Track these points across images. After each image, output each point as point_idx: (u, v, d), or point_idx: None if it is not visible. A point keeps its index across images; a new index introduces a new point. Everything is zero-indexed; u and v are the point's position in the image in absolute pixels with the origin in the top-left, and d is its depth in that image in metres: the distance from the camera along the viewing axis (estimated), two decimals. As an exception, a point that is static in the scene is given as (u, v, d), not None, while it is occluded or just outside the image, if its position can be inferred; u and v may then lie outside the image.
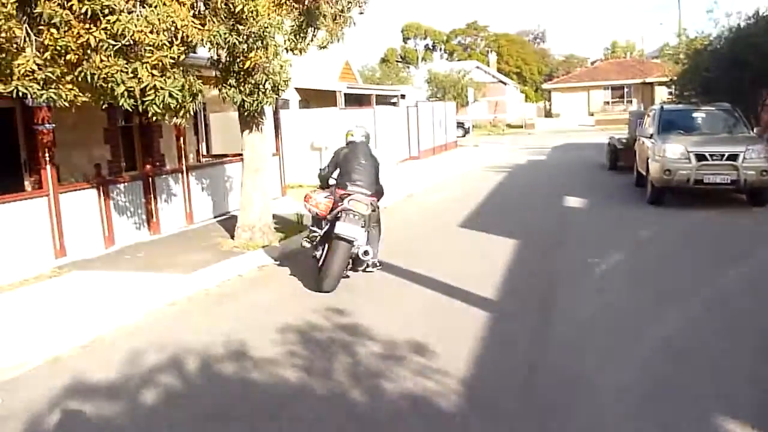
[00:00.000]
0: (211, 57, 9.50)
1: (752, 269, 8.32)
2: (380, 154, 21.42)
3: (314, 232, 7.64)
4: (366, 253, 7.23)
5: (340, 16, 10.55)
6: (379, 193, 7.67)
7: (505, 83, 66.07)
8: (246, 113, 10.08)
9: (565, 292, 7.55)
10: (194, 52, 8.48)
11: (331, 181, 7.85)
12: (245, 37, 8.58)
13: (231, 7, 8.22)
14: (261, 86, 9.37)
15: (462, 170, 22.96)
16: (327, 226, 7.35)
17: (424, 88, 46.40)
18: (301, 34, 10.27)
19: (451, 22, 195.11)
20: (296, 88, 20.10)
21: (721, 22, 17.82)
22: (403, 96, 29.83)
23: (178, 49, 7.10)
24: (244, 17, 8.28)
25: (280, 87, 9.69)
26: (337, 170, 7.74)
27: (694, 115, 14.82)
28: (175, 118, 7.66)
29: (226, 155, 14.35)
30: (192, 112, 7.99)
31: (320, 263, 7.34)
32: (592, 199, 14.73)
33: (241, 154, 10.84)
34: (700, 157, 12.59)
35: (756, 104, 16.75)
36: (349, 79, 30.90)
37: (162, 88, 6.87)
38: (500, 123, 61.54)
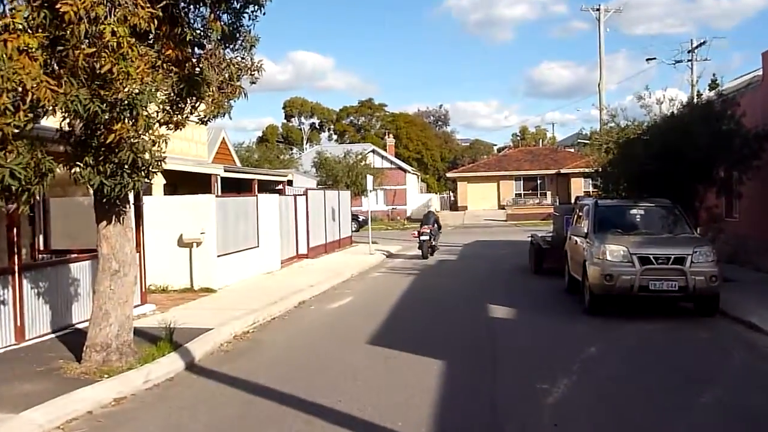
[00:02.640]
0: (61, 128, 8.89)
1: (725, 394, 8.35)
2: (263, 252, 20.94)
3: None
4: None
5: (227, 84, 10.29)
6: (436, 226, 27.84)
7: (404, 170, 67.77)
8: (104, 199, 9.42)
9: None
10: (37, 122, 7.88)
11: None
12: (110, 104, 8.09)
13: (95, 66, 7.75)
14: (126, 166, 8.82)
15: (361, 272, 22.79)
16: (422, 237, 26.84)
17: (312, 173, 46.68)
18: (180, 105, 9.90)
19: (341, 99, 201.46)
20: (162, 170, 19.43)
21: (654, 109, 18.99)
22: (290, 182, 29.70)
23: (25, 116, 6.51)
24: (111, 80, 7.82)
25: (150, 168, 9.19)
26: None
27: (633, 211, 15.40)
28: (14, 204, 6.96)
29: (70, 251, 13.43)
30: (39, 197, 7.31)
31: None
32: (521, 309, 14.79)
33: (91, 251, 10.10)
34: (645, 261, 12.97)
35: (692, 200, 17.69)
36: (226, 160, 30.53)
37: (2, 166, 6.22)
38: (399, 216, 62.58)
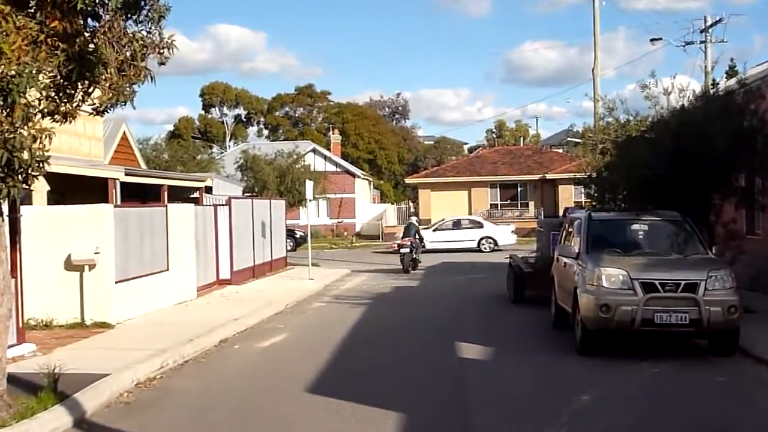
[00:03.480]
0: None
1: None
2: (175, 277, 20.74)
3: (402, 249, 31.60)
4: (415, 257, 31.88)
5: (129, 65, 10.20)
6: (417, 238, 32.94)
7: (353, 174, 67.93)
8: (-31, 211, 9.25)
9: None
10: None
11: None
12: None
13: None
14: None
15: (299, 301, 22.72)
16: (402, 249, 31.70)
17: (237, 177, 46.41)
18: (68, 91, 9.77)
19: (274, 85, 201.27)
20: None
21: (661, 101, 19.23)
22: (209, 189, 29.47)
23: None
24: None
25: (30, 170, 9.06)
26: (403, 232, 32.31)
27: (634, 227, 15.61)
28: None
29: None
30: None
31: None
32: (498, 348, 14.86)
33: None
34: (649, 288, 13.13)
35: (707, 213, 17.99)
36: (128, 160, 30.19)
37: None
38: (347, 231, 62.62)
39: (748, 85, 18.66)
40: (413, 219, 37.55)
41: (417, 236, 33.06)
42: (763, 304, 18.03)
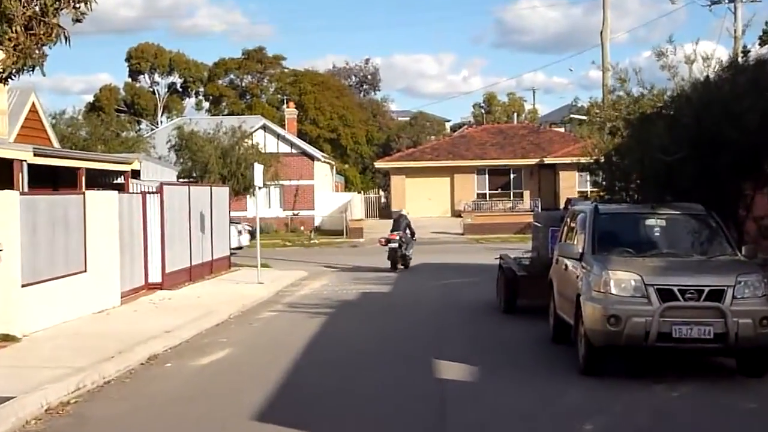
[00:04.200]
0: None
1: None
2: (94, 280, 20.63)
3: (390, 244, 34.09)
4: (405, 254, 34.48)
5: (39, 22, 10.15)
6: (408, 233, 34.95)
7: (311, 157, 67.83)
8: None
9: None
10: None
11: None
12: None
13: None
14: None
15: (244, 310, 22.71)
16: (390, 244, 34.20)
17: (171, 159, 46.13)
18: (-37, 52, 9.70)
19: (217, 48, 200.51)
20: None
21: (682, 72, 19.27)
22: (136, 173, 29.26)
23: None
24: None
25: None
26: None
27: (649, 222, 15.67)
28: None
29: None
30: None
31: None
32: (485, 367, 14.90)
33: None
34: (666, 295, 13.18)
35: (735, 206, 18.10)
36: (37, 138, 29.91)
37: None
38: (304, 226, 62.52)
39: (785, 53, 18.78)
40: (403, 211, 39.07)
41: (408, 230, 35.01)
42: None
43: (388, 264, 34.31)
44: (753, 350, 13.46)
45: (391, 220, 38.48)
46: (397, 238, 33.79)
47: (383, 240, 35.11)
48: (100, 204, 21.70)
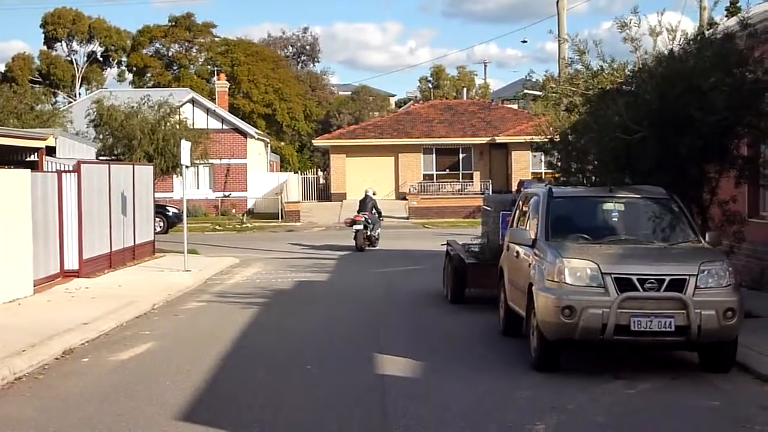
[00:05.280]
0: None
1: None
2: (2, 267, 20.42)
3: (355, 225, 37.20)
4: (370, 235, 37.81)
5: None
6: (375, 213, 38.53)
7: (244, 133, 67.44)
8: None
9: None
10: None
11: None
12: None
13: None
14: None
15: (169, 300, 22.67)
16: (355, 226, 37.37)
17: (90, 135, 45.68)
18: None
19: (141, 15, 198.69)
20: None
21: (645, 45, 19.30)
22: (51, 150, 28.94)
23: None
24: None
25: None
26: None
27: (607, 206, 15.73)
28: None
29: None
30: None
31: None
32: (430, 362, 14.92)
33: None
34: (624, 285, 13.25)
35: (699, 189, 18.23)
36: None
37: None
38: (236, 209, 62.25)
39: (753, 26, 18.79)
40: (369, 191, 40.88)
41: (374, 211, 38.43)
42: (769, 306, 18.37)
43: (325, 253, 35.25)
44: (717, 344, 13.60)
45: (332, 203, 40.30)
46: (363, 219, 37.02)
47: (348, 221, 38.49)
48: (10, 184, 21.45)
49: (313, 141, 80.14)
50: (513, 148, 64.56)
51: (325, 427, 11.27)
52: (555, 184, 18.47)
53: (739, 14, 21.54)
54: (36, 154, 27.78)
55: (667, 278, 13.28)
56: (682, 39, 18.79)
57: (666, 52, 18.70)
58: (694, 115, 16.59)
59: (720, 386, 13.15)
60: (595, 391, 12.79)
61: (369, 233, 37.47)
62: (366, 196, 39.59)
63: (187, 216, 32.74)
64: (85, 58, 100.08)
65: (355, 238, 36.95)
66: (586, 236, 14.83)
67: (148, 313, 20.62)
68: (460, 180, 67.38)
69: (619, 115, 17.44)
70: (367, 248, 36.96)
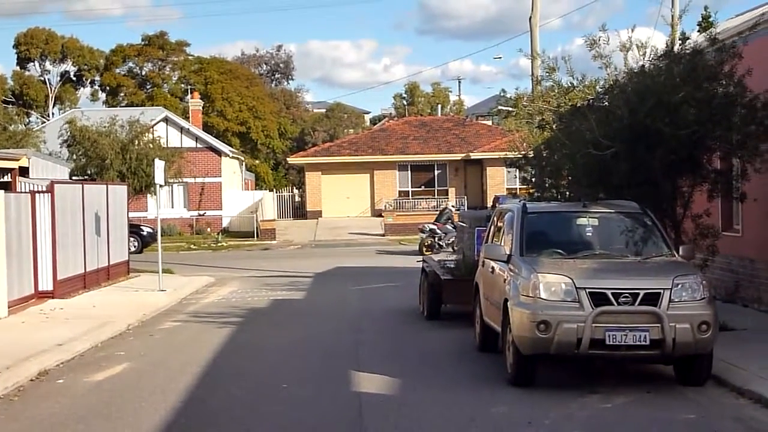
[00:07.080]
0: None
1: None
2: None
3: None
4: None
5: None
6: (451, 226, 41.48)
7: (219, 152, 67.33)
8: None
9: None
10: None
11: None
12: None
13: None
14: None
15: (144, 320, 22.59)
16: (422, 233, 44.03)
17: (64, 155, 45.57)
18: None
19: (115, 34, 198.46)
20: None
21: (615, 61, 19.40)
22: (25, 171, 28.87)
23: None
24: None
25: None
26: None
27: (581, 221, 15.82)
28: None
29: None
30: None
31: None
32: (406, 379, 14.95)
33: None
34: (599, 299, 13.32)
35: (672, 203, 18.30)
36: None
37: None
38: (210, 227, 62.13)
39: (722, 42, 18.91)
40: (449, 204, 47.72)
41: (450, 223, 42.54)
42: (743, 319, 18.48)
43: (302, 269, 35.34)
44: (692, 357, 13.68)
45: (308, 221, 41.29)
46: (430, 228, 43.08)
47: (422, 226, 44.28)
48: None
49: (288, 159, 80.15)
50: (488, 164, 64.76)
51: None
52: (529, 200, 18.53)
53: (708, 30, 21.68)
54: (9, 174, 27.72)
55: (642, 292, 13.36)
56: (652, 54, 18.92)
57: (636, 68, 18.82)
58: (664, 130, 16.68)
59: (695, 399, 13.23)
60: (571, 406, 12.84)
61: (433, 241, 42.32)
62: (444, 209, 48.09)
63: (162, 235, 32.61)
64: (59, 78, 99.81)
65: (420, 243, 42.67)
66: (560, 251, 14.88)
67: (123, 334, 20.54)
68: (436, 196, 67.39)
69: (590, 131, 17.57)
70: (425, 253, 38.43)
